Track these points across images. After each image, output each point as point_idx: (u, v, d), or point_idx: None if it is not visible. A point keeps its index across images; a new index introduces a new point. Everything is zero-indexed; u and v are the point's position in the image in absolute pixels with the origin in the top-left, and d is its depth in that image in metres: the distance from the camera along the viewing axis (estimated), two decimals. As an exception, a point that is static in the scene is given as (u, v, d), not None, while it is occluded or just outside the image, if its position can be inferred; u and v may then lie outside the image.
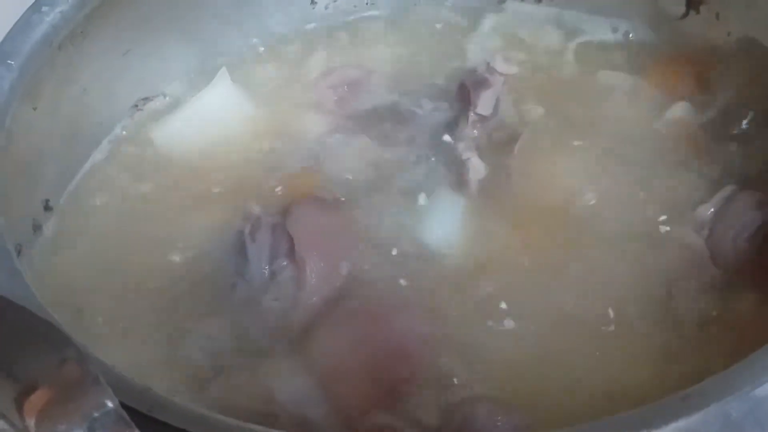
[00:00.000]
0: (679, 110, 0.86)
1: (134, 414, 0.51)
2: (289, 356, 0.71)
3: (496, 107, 0.86)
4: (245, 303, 0.74)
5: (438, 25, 0.99)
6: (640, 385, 0.66)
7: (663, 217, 0.78)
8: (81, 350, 0.44)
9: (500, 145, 0.85)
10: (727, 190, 0.78)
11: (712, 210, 0.77)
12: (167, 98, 0.94)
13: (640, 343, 0.70)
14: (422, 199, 0.81)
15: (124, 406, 0.51)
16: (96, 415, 0.43)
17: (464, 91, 0.87)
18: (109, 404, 0.43)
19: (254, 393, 0.68)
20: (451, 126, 0.86)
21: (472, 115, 0.85)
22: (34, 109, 0.80)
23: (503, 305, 0.73)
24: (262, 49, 0.98)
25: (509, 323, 0.72)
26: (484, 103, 0.85)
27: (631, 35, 0.96)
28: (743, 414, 0.52)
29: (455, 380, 0.68)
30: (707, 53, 0.90)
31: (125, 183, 0.87)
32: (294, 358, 0.70)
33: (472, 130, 0.85)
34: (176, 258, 0.79)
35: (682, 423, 0.51)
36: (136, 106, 0.93)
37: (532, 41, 0.96)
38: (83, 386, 0.43)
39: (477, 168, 0.82)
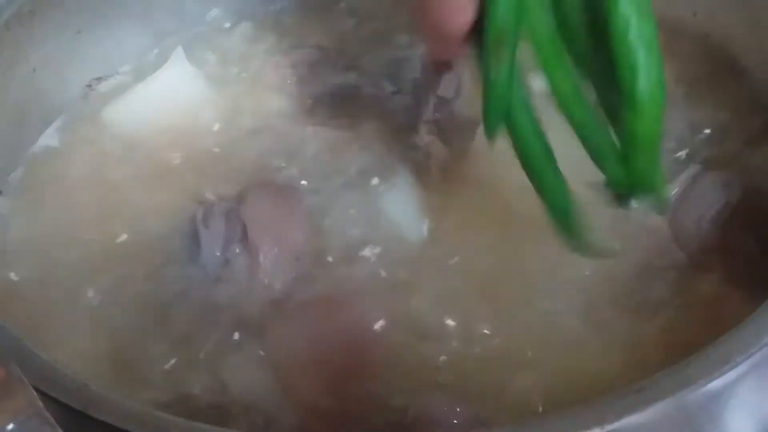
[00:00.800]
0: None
1: (69, 412, 0.50)
2: (242, 346, 0.69)
3: (458, 90, 0.84)
4: (197, 290, 0.72)
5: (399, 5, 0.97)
6: (604, 373, 0.65)
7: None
8: (3, 350, 0.42)
9: (463, 128, 0.83)
10: (692, 170, 0.77)
11: (677, 191, 0.76)
12: (121, 79, 0.92)
13: (604, 328, 0.69)
14: (381, 184, 0.79)
15: (59, 403, 0.50)
16: (20, 417, 0.41)
17: (425, 72, 0.85)
18: (33, 406, 0.41)
19: (205, 384, 0.67)
20: (412, 109, 0.84)
21: (433, 98, 0.83)
22: (-20, 91, 0.78)
23: (462, 294, 0.71)
24: (219, 27, 0.96)
25: (468, 312, 0.70)
26: (446, 86, 0.83)
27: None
28: (698, 407, 0.52)
29: (411, 371, 0.66)
30: (673, 31, 0.89)
31: (77, 166, 0.85)
32: (247, 348, 0.69)
33: (433, 113, 0.83)
34: (128, 243, 0.77)
35: (636, 417, 0.50)
36: (90, 86, 0.91)
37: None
38: (7, 387, 0.42)
39: (438, 152, 0.81)
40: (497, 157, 0.80)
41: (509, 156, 0.80)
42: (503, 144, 0.81)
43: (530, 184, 0.70)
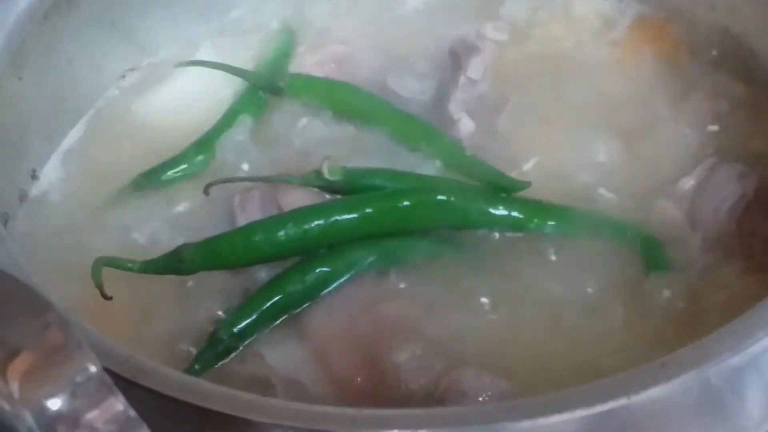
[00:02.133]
0: (663, 81, 0.87)
1: (118, 380, 0.51)
2: (281, 323, 0.70)
3: (485, 72, 0.86)
4: (236, 271, 0.73)
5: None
6: (623, 357, 0.65)
7: (645, 189, 0.78)
8: (63, 315, 0.43)
9: (488, 109, 0.85)
10: (709, 162, 0.79)
11: (693, 182, 0.77)
12: (153, 70, 0.93)
13: (623, 316, 0.70)
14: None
15: (108, 372, 0.51)
16: (79, 379, 0.42)
17: (455, 56, 0.86)
18: (92, 369, 0.43)
19: (246, 357, 0.68)
20: (437, 106, 0.86)
21: (462, 79, 0.85)
22: (20, 78, 0.80)
23: (482, 281, 0.73)
24: (248, 20, 0.97)
25: (489, 298, 0.72)
26: (474, 68, 0.85)
27: (623, 4, 0.95)
28: (721, 381, 0.53)
29: (442, 350, 0.67)
30: (692, 24, 0.91)
31: (110, 153, 0.87)
32: (286, 324, 0.70)
33: (462, 93, 0.85)
34: (163, 229, 0.79)
35: (660, 389, 0.51)
36: (123, 76, 0.92)
37: (522, 9, 0.96)
38: (66, 351, 0.43)
39: (467, 125, 0.83)
40: (521, 140, 0.82)
41: (533, 139, 0.82)
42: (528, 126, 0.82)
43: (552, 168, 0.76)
